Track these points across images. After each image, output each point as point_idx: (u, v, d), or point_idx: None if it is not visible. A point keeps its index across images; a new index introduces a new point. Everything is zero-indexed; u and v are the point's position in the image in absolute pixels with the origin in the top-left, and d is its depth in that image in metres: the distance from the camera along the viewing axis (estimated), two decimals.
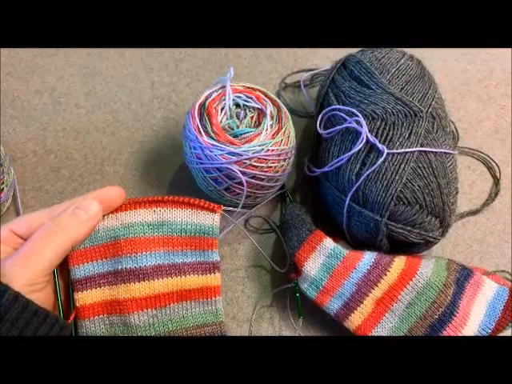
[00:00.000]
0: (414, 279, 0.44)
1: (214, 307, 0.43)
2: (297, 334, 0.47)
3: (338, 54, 0.57)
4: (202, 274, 0.43)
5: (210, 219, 0.43)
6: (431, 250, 0.51)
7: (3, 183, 0.50)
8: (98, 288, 0.41)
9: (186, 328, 0.42)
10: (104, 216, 0.42)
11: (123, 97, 0.63)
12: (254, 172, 0.46)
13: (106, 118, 0.61)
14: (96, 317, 0.41)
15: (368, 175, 0.45)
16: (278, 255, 0.51)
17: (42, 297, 0.37)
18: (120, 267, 0.41)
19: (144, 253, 0.42)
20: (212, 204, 0.43)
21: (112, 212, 0.42)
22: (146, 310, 0.41)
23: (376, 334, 0.44)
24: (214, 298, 0.43)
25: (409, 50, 0.55)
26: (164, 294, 0.42)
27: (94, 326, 0.41)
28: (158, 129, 0.61)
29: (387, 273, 0.44)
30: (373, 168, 0.44)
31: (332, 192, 0.48)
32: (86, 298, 0.41)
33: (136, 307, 0.41)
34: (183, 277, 0.43)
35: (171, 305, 0.42)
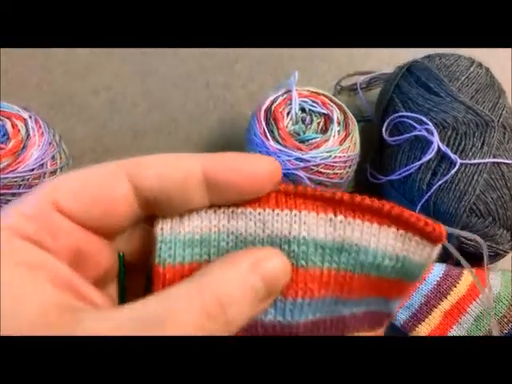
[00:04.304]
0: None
1: None
2: None
3: (393, 56, 0.56)
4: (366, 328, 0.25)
5: (425, 253, 0.22)
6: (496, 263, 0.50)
7: None
8: None
9: None
10: (240, 208, 0.21)
11: (179, 97, 0.63)
12: (320, 178, 0.46)
13: (162, 118, 0.61)
14: None
15: (440, 185, 0.44)
16: None
17: None
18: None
19: (301, 299, 0.21)
20: (435, 225, 0.22)
21: (252, 204, 0.22)
22: None
23: None
24: None
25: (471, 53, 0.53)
26: None
27: None
28: (213, 131, 0.61)
29: (457, 285, 0.44)
30: (445, 178, 0.44)
31: (399, 200, 0.47)
32: None
33: None
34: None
35: None
